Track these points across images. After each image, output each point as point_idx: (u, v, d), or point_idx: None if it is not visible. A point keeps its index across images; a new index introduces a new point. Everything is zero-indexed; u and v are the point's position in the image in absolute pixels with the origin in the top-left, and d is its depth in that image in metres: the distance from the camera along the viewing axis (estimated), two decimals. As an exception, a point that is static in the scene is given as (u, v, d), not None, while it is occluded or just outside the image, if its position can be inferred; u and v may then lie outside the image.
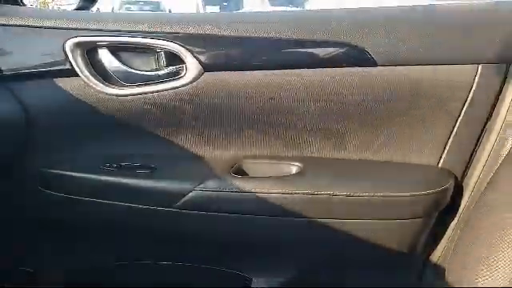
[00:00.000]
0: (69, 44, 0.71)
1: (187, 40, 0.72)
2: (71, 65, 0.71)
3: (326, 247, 0.78)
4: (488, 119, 0.76)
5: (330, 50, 0.73)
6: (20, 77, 0.70)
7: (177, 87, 0.74)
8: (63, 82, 0.72)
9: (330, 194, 0.72)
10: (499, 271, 0.58)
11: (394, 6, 0.76)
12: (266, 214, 0.73)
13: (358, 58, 0.72)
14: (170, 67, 0.74)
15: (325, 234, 0.75)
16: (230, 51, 0.74)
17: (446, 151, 0.79)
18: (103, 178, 0.72)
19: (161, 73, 0.75)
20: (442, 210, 0.79)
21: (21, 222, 0.78)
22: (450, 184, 0.77)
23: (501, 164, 0.71)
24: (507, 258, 0.58)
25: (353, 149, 0.79)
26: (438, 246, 0.84)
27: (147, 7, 10.79)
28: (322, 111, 0.75)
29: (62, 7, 0.91)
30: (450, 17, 0.75)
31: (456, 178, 0.79)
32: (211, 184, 0.73)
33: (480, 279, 0.59)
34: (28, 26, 0.70)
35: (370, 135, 0.78)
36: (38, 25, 0.70)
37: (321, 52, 0.74)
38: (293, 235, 0.76)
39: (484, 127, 0.77)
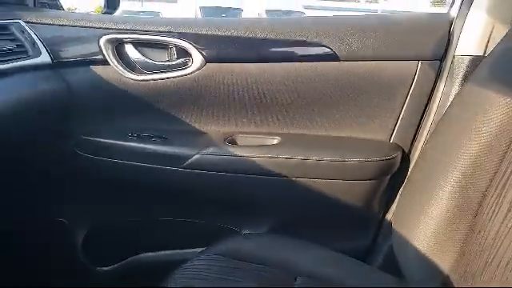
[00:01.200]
0: (102, 40, 0.90)
1: (193, 38, 0.92)
2: (104, 56, 0.91)
3: (300, 202, 0.97)
4: (427, 104, 0.96)
5: (305, 47, 0.93)
6: (67, 64, 0.89)
7: (184, 75, 0.93)
8: (98, 69, 0.91)
9: (302, 159, 0.92)
10: (433, 217, 0.76)
11: (354, 15, 0.96)
12: (252, 173, 0.93)
13: (325, 54, 0.92)
14: (179, 59, 0.94)
15: (299, 191, 0.94)
16: (227, 47, 0.94)
17: (395, 130, 0.98)
18: (128, 144, 0.92)
19: (172, 63, 0.94)
20: (393, 176, 0.98)
21: (61, 179, 0.97)
22: (397, 154, 0.96)
23: (431, 140, 0.90)
24: (438, 205, 0.75)
25: (320, 127, 0.98)
26: (391, 206, 1.03)
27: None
28: (297, 96, 0.95)
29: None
30: (397, 22, 0.95)
31: (403, 150, 0.98)
32: (210, 150, 0.92)
33: (417, 226, 0.77)
34: (73, 26, 0.90)
35: (335, 116, 0.97)
36: (80, 25, 0.90)
37: (297, 49, 0.94)
38: (273, 191, 0.96)
39: (424, 110, 0.96)
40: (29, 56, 0.81)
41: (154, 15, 11.18)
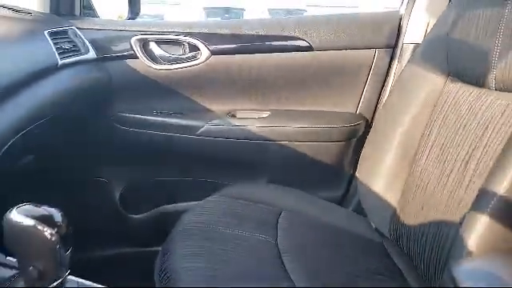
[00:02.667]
0: (133, 40, 1.16)
1: (201, 36, 1.17)
2: (134, 52, 1.17)
3: (285, 160, 1.22)
4: (384, 82, 1.20)
5: (287, 41, 1.18)
6: (107, 59, 1.15)
7: (194, 65, 1.19)
8: (129, 62, 1.17)
9: (286, 127, 1.18)
10: (385, 165, 0.97)
11: (326, 14, 1.21)
12: (248, 139, 1.18)
13: (303, 46, 1.17)
14: (191, 53, 1.19)
15: (284, 152, 1.19)
16: (227, 43, 1.19)
17: (359, 104, 1.22)
18: (153, 118, 1.18)
19: (184, 56, 1.20)
20: (360, 138, 1.22)
21: (104, 146, 1.23)
22: (361, 122, 1.20)
23: (383, 109, 1.14)
24: (388, 155, 0.97)
25: (300, 103, 1.23)
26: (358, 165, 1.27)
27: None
28: (282, 80, 1.20)
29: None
30: (358, 19, 1.19)
31: (366, 119, 1.22)
32: (216, 122, 1.18)
33: (374, 173, 0.99)
34: (111, 29, 1.16)
35: (312, 94, 1.22)
36: (116, 29, 1.16)
37: (282, 43, 1.19)
38: (265, 152, 1.21)
39: (382, 87, 1.20)
40: (81, 53, 1.07)
41: (158, 18, 11.31)
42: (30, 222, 0.43)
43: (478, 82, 0.80)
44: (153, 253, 0.88)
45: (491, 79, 0.77)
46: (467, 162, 0.75)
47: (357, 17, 1.21)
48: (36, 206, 0.46)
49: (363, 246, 0.96)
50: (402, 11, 1.17)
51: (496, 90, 0.76)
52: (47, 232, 0.43)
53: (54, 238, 0.43)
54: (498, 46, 0.76)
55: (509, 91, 0.72)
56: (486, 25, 0.80)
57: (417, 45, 1.10)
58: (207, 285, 0.68)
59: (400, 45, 1.16)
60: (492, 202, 0.58)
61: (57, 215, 0.46)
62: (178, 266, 0.74)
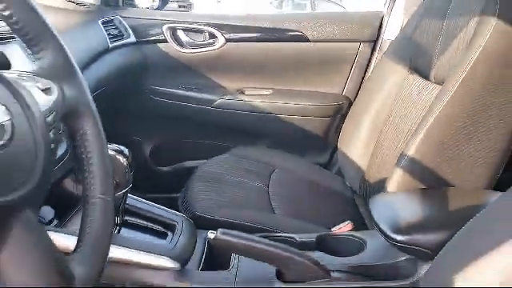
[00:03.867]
0: (164, 27, 1.41)
1: (218, 26, 1.42)
2: (165, 37, 1.42)
3: (282, 130, 1.48)
4: (366, 70, 1.43)
5: (287, 33, 1.42)
6: (144, 42, 1.42)
7: (212, 50, 1.43)
8: (161, 45, 1.43)
9: (284, 103, 1.43)
10: (359, 137, 1.22)
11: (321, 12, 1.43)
12: (253, 111, 1.44)
13: (300, 37, 1.40)
14: (210, 40, 1.44)
15: (282, 123, 1.45)
16: (240, 32, 1.43)
17: (345, 87, 1.46)
18: (178, 91, 1.45)
19: (205, 42, 1.45)
20: (344, 115, 1.45)
21: (139, 113, 1.50)
22: (345, 102, 1.44)
23: (361, 91, 1.38)
24: (362, 128, 1.21)
25: (297, 84, 1.47)
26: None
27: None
28: (282, 64, 1.44)
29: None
30: (348, 16, 1.42)
31: (350, 100, 1.46)
32: (228, 96, 1.44)
33: (351, 143, 1.24)
34: (147, 18, 1.42)
35: (306, 77, 1.46)
36: (151, 18, 1.42)
37: (283, 34, 1.42)
38: (266, 123, 1.47)
39: (364, 73, 1.44)
40: (124, 38, 1.33)
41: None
42: (111, 152, 0.71)
43: (426, 76, 1.03)
44: (174, 199, 1.15)
45: (432, 74, 1.00)
46: (408, 135, 1.00)
47: (346, 15, 1.44)
48: (111, 144, 0.73)
49: (337, 198, 1.22)
50: (384, 12, 1.40)
51: (434, 82, 0.99)
52: (121, 159, 0.71)
53: (124, 163, 0.71)
54: (438, 48, 0.99)
55: (440, 84, 0.95)
56: (432, 31, 1.03)
57: (392, 41, 1.33)
58: (213, 210, 0.96)
59: (380, 40, 1.39)
60: (404, 159, 0.83)
61: (125, 150, 0.73)
62: (194, 197, 1.02)
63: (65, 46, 0.46)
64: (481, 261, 0.48)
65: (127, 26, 1.38)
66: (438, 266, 0.56)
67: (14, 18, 0.40)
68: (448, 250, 0.54)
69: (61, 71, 0.44)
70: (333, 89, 1.48)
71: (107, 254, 0.43)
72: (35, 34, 0.43)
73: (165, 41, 1.42)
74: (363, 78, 1.44)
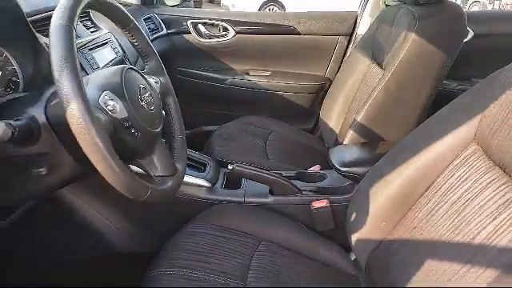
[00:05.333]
0: (188, 22, 1.78)
1: (230, 22, 1.78)
2: (189, 30, 1.79)
3: (278, 102, 1.87)
4: (343, 57, 1.80)
5: (282, 27, 1.78)
6: (172, 34, 1.78)
7: (225, 40, 1.81)
8: (186, 36, 1.80)
9: (279, 82, 1.81)
10: (338, 102, 1.62)
11: (308, 11, 1.79)
12: (256, 88, 1.83)
13: (292, 30, 1.77)
14: (223, 32, 1.81)
15: (278, 97, 1.84)
16: (246, 26, 1.80)
17: (327, 70, 1.84)
18: (199, 72, 1.83)
19: (219, 34, 1.81)
20: (325, 92, 1.84)
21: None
22: (327, 82, 1.83)
23: (339, 73, 1.76)
24: (339, 102, 1.62)
25: (289, 67, 1.85)
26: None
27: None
28: (278, 51, 1.82)
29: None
30: (329, 15, 1.78)
31: (330, 80, 1.84)
32: (237, 76, 1.82)
33: (330, 110, 1.65)
34: (174, 15, 1.78)
35: (297, 62, 1.83)
36: (178, 14, 1.78)
37: (279, 28, 1.79)
38: (266, 97, 1.85)
39: (341, 60, 1.81)
40: (158, 31, 1.70)
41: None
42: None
43: (380, 64, 1.41)
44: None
45: (383, 64, 1.38)
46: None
47: (329, 13, 1.79)
48: None
49: (313, 151, 1.62)
50: (359, 11, 1.75)
51: (383, 69, 1.37)
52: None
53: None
54: (387, 46, 1.37)
55: (383, 69, 1.32)
56: (386, 33, 1.40)
57: (362, 36, 1.70)
58: (227, 156, 1.35)
59: (354, 34, 1.76)
60: (355, 123, 1.23)
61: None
62: (215, 148, 1.43)
63: (157, 54, 0.85)
64: (385, 177, 0.86)
65: (160, 21, 1.74)
66: (363, 183, 0.96)
67: (137, 43, 0.79)
68: (368, 174, 0.94)
69: (158, 70, 0.84)
70: (317, 71, 1.85)
71: (185, 168, 0.83)
72: (146, 51, 0.82)
73: (188, 32, 1.79)
74: (341, 64, 1.81)
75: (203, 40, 1.81)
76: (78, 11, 0.58)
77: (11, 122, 0.57)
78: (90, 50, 1.06)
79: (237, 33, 1.79)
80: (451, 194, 0.76)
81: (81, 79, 0.53)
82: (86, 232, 1.06)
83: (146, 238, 1.09)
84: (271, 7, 8.18)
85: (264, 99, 1.87)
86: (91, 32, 1.13)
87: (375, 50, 1.45)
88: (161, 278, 0.79)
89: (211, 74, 1.84)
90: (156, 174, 0.71)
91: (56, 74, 0.52)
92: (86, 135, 0.52)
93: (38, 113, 0.64)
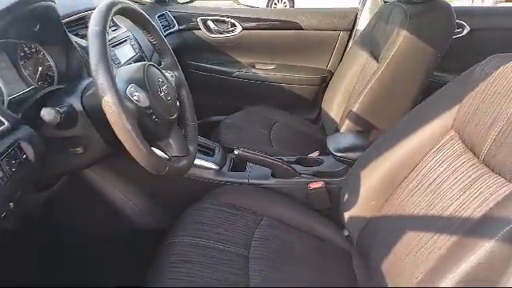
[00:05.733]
0: (198, 19, 1.88)
1: (237, 18, 1.88)
2: (199, 26, 1.89)
3: (280, 93, 1.97)
4: (344, 51, 1.89)
5: (287, 23, 1.87)
6: (183, 30, 1.89)
7: (233, 35, 1.91)
8: (196, 32, 1.90)
9: (284, 75, 1.91)
10: (334, 99, 1.72)
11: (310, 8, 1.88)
12: (261, 80, 1.93)
13: (296, 25, 1.86)
14: (231, 28, 1.91)
15: (282, 89, 1.94)
16: (252, 22, 1.89)
17: (329, 62, 1.93)
18: (208, 66, 1.94)
19: (227, 29, 1.91)
20: (327, 84, 1.93)
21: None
22: (328, 74, 1.92)
23: (340, 65, 1.85)
24: (340, 89, 1.72)
25: (293, 60, 1.95)
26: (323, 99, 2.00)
27: None
28: (283, 45, 1.91)
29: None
30: (331, 11, 1.87)
31: (332, 72, 1.93)
32: (243, 69, 1.93)
33: (332, 102, 1.74)
34: (186, 12, 1.88)
35: (300, 56, 1.93)
36: (189, 12, 1.89)
37: (283, 23, 1.88)
38: (270, 88, 1.95)
39: (343, 53, 1.90)
40: (171, 27, 1.81)
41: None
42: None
43: (376, 58, 1.50)
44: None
45: (379, 57, 1.47)
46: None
47: (330, 10, 1.88)
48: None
49: (313, 139, 1.72)
50: (359, 7, 1.84)
51: (378, 63, 1.46)
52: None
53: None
54: (382, 41, 1.45)
55: (379, 63, 1.41)
56: (382, 29, 1.49)
57: (361, 31, 1.78)
58: (233, 143, 1.46)
59: (354, 30, 1.84)
60: (351, 113, 1.33)
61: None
62: (222, 136, 1.54)
63: (172, 52, 0.96)
64: (375, 161, 0.96)
65: (173, 18, 1.85)
66: (355, 167, 1.06)
67: (155, 42, 0.90)
68: (360, 159, 1.04)
69: (173, 65, 0.95)
70: (320, 64, 1.95)
71: (196, 150, 0.94)
72: (162, 48, 0.93)
73: (198, 28, 1.90)
74: (342, 57, 1.90)
75: (212, 35, 1.91)
76: (110, 18, 0.69)
77: (58, 108, 0.69)
78: (112, 46, 1.18)
79: (244, 28, 1.89)
80: (430, 175, 0.86)
81: (113, 75, 0.65)
82: (108, 208, 1.18)
83: (161, 214, 1.21)
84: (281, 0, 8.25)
85: (269, 91, 1.97)
86: (112, 31, 1.25)
87: (373, 45, 1.54)
88: (176, 245, 0.91)
89: (219, 68, 1.94)
90: (172, 155, 0.82)
91: (93, 71, 0.63)
92: (117, 120, 0.64)
93: (75, 102, 0.76)
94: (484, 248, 0.59)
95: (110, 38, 1.20)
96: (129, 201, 1.20)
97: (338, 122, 1.62)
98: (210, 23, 1.91)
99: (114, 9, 0.72)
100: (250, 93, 1.99)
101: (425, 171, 0.88)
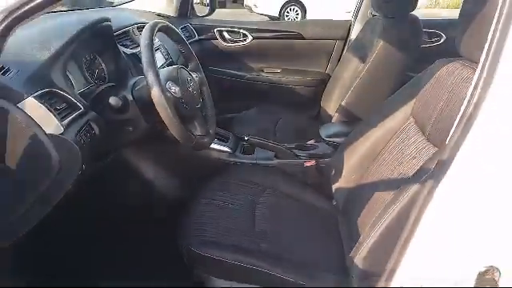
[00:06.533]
0: (215, 30, 2.16)
1: (248, 29, 2.15)
2: (215, 36, 2.18)
3: (287, 96, 2.22)
4: (339, 58, 2.13)
5: (289, 33, 2.13)
6: (203, 39, 2.16)
7: (244, 44, 2.18)
8: (214, 41, 2.18)
9: (288, 77, 2.17)
10: (331, 98, 1.97)
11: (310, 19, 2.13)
12: (268, 82, 2.19)
13: (298, 35, 2.12)
14: (243, 38, 2.18)
15: (287, 91, 2.19)
16: (259, 33, 2.16)
17: (327, 68, 2.18)
18: (224, 70, 2.21)
19: (240, 39, 2.19)
20: (325, 86, 2.18)
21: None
22: (326, 77, 2.17)
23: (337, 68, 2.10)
24: (339, 91, 1.97)
25: (295, 65, 2.20)
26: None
27: None
28: (285, 52, 2.17)
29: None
30: (328, 23, 2.12)
31: (329, 76, 2.18)
32: (253, 73, 2.20)
33: (331, 101, 1.99)
34: (204, 24, 2.17)
35: (302, 61, 2.18)
36: (207, 24, 2.17)
37: (287, 34, 2.14)
38: (277, 91, 2.20)
39: (339, 60, 2.14)
40: (192, 37, 2.09)
41: None
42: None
43: (363, 61, 1.74)
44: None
45: (364, 62, 1.71)
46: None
47: (328, 21, 2.14)
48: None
49: (311, 131, 1.97)
50: (352, 20, 2.09)
51: (363, 66, 1.70)
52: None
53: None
54: (367, 47, 1.70)
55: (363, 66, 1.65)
56: (368, 38, 1.73)
57: (353, 40, 2.03)
58: (244, 133, 1.73)
59: (348, 39, 2.09)
60: (340, 106, 1.57)
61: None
62: (235, 129, 1.80)
63: (196, 58, 1.23)
64: (355, 144, 1.21)
65: (193, 29, 2.13)
66: (340, 148, 1.31)
67: (183, 51, 1.18)
68: (343, 143, 1.29)
69: (197, 68, 1.22)
70: (319, 69, 2.21)
71: (215, 132, 1.20)
72: (188, 55, 1.20)
73: (215, 38, 2.18)
74: (338, 62, 2.15)
75: (227, 44, 2.19)
76: (155, 34, 0.96)
77: (119, 97, 0.97)
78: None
79: (254, 38, 2.16)
80: (393, 151, 1.11)
81: (158, 75, 0.92)
82: (141, 182, 1.45)
83: (184, 187, 1.47)
84: (292, 7, 8.51)
85: (276, 92, 2.23)
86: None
87: (361, 51, 1.79)
88: (202, 202, 1.17)
89: (233, 71, 2.21)
90: (196, 134, 1.09)
91: (145, 72, 0.91)
92: (162, 107, 0.91)
93: (127, 94, 1.04)
94: (412, 190, 0.83)
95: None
96: (158, 176, 1.47)
97: (334, 116, 1.86)
98: (225, 34, 2.19)
99: (157, 27, 0.99)
100: (260, 93, 2.24)
101: (390, 149, 1.13)
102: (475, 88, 0.65)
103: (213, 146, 1.44)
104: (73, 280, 1.15)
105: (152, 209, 1.46)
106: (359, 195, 1.18)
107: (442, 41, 1.90)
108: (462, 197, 0.68)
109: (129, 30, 1.41)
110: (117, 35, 1.31)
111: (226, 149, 1.47)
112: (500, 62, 0.63)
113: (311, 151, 1.51)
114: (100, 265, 1.30)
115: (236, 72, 2.21)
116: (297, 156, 1.46)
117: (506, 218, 0.67)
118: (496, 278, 0.67)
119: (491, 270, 0.68)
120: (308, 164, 1.41)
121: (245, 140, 1.47)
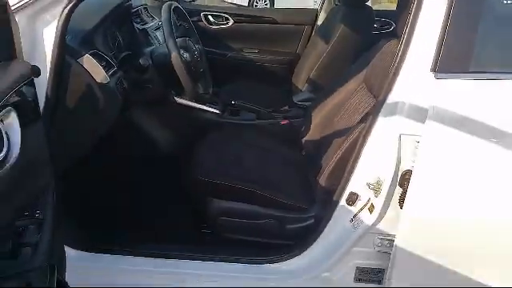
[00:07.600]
0: (201, 14, 2.40)
1: (230, 14, 2.41)
2: (201, 19, 2.41)
3: (263, 72, 2.52)
4: (308, 39, 2.45)
5: (266, 18, 2.42)
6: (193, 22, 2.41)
7: (227, 27, 2.44)
8: (200, 23, 2.42)
9: (265, 56, 2.46)
10: (301, 77, 2.29)
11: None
12: (247, 61, 2.47)
13: (273, 20, 2.41)
14: (225, 21, 2.43)
15: (264, 68, 2.49)
16: (241, 17, 2.43)
17: (298, 47, 2.49)
18: (208, 49, 2.46)
19: (222, 22, 2.44)
20: (296, 62, 2.50)
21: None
22: (297, 56, 2.48)
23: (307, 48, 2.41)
24: (308, 62, 2.29)
25: (272, 46, 2.49)
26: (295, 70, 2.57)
27: None
28: (263, 33, 2.45)
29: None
30: (300, 10, 2.42)
31: (299, 55, 2.49)
32: (234, 52, 2.46)
33: (300, 77, 2.30)
34: (192, 9, 2.40)
35: (277, 43, 2.48)
36: (194, 8, 2.40)
37: (264, 19, 2.42)
38: (254, 68, 2.49)
39: (308, 41, 2.46)
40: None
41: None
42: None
43: (328, 44, 2.06)
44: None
45: (329, 43, 2.03)
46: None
47: (299, 10, 2.43)
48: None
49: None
50: (318, 8, 2.40)
51: (328, 47, 2.03)
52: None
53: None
54: (330, 30, 2.02)
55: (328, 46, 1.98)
56: (331, 21, 2.05)
57: (318, 25, 2.34)
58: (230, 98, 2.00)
59: (316, 25, 2.40)
60: (309, 81, 1.90)
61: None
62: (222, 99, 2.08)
63: (197, 34, 1.49)
64: (320, 105, 1.54)
65: (185, 14, 2.36)
66: (308, 109, 1.63)
67: (187, 27, 1.44)
68: (311, 105, 1.61)
69: (197, 41, 1.49)
70: (291, 49, 2.51)
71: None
72: (191, 31, 1.47)
73: (201, 21, 2.41)
74: (307, 44, 2.46)
75: (211, 27, 2.44)
76: (171, 11, 1.23)
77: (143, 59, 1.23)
78: (155, 30, 1.71)
79: (235, 22, 2.42)
80: (349, 108, 1.44)
81: (177, 43, 1.18)
82: (146, 139, 1.69)
83: (180, 143, 1.73)
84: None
85: (253, 69, 2.51)
86: (152, 20, 1.77)
87: (326, 35, 2.11)
88: (202, 148, 1.45)
89: (216, 51, 2.46)
90: (200, 92, 1.37)
91: (167, 39, 1.17)
92: (179, 67, 1.18)
93: (146, 59, 1.29)
94: (358, 129, 1.16)
95: (152, 24, 1.72)
96: (160, 134, 1.72)
97: (302, 87, 2.18)
98: (209, 17, 2.43)
99: (172, 7, 1.26)
100: (240, 70, 2.51)
101: (348, 107, 1.46)
102: (399, 51, 0.98)
103: (206, 108, 1.72)
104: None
105: (156, 155, 1.71)
106: (323, 143, 1.50)
107: (391, 28, 2.25)
108: (390, 131, 1.02)
109: (138, 10, 1.64)
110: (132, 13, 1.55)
111: (215, 110, 1.74)
112: (413, 36, 0.96)
113: (286, 114, 1.83)
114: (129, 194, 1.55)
115: (219, 51, 2.47)
116: (274, 117, 1.77)
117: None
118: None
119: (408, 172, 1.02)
120: (283, 123, 1.73)
121: (232, 104, 1.75)
